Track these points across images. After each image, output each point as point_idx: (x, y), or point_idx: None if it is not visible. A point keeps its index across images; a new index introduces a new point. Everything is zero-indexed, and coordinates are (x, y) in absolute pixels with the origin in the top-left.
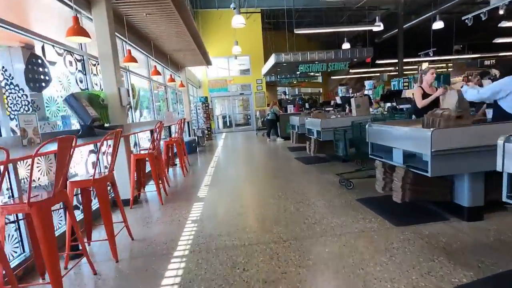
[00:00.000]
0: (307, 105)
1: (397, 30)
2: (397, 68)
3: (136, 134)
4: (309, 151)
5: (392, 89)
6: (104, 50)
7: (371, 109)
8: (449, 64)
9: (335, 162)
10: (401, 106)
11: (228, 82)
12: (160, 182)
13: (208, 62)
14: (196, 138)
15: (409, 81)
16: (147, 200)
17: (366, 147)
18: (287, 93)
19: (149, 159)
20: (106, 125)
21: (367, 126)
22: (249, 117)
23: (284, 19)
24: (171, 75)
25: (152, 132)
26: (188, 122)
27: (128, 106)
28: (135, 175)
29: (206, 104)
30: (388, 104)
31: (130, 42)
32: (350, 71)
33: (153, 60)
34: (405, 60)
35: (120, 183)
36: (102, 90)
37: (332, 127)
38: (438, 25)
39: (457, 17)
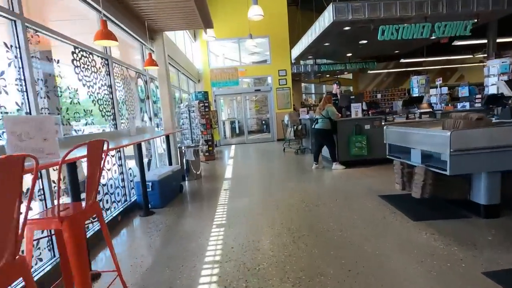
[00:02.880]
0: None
1: None
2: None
3: None
4: None
5: None
6: None
7: None
8: None
9: None
10: None
11: (240, 73)
12: None
13: (207, 23)
14: (185, 165)
15: None
16: None
17: None
18: (339, 85)
19: None
20: None
21: None
22: (263, 122)
23: None
24: (103, 23)
25: None
26: (168, 137)
27: None
28: None
29: (205, 103)
30: None
31: None
32: (402, 60)
33: None
34: (499, 40)
35: None
36: None
37: None
38: None
39: None
